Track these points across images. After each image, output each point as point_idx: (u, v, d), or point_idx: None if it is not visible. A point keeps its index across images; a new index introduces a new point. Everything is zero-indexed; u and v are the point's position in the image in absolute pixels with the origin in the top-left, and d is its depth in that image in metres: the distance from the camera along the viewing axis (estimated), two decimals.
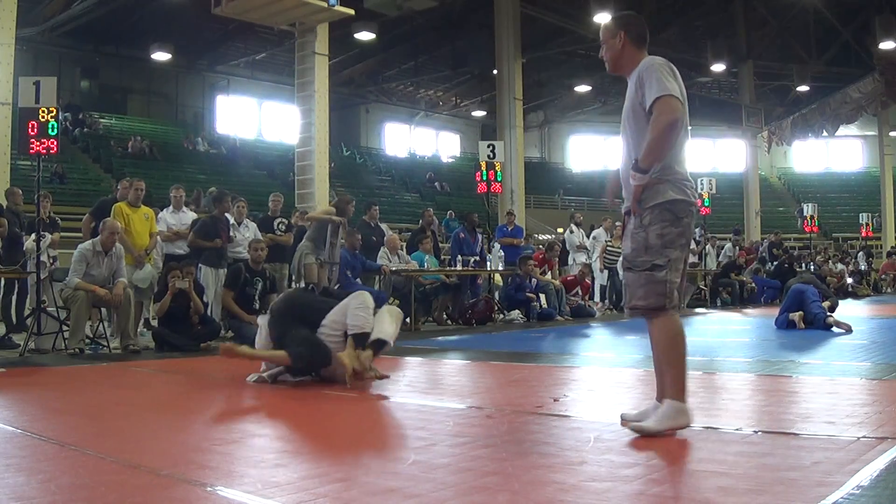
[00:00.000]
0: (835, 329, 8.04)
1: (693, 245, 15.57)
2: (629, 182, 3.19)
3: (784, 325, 8.54)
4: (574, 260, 13.19)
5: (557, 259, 12.30)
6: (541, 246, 13.85)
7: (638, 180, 3.12)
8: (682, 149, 3.22)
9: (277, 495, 2.29)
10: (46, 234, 7.82)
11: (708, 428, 3.21)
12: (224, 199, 8.52)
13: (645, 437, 3.05)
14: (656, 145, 3.05)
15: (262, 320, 5.03)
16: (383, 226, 11.34)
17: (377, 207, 11.25)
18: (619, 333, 8.84)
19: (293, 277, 9.12)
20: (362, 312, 4.65)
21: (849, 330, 7.89)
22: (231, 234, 8.56)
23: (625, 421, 3.26)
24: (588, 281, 12.35)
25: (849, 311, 12.50)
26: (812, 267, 16.18)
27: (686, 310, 12.18)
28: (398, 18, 20.86)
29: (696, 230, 16.23)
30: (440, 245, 13.12)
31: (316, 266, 8.73)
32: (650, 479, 2.47)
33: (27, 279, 7.89)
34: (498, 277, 11.69)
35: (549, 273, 11.67)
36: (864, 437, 2.91)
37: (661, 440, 3.00)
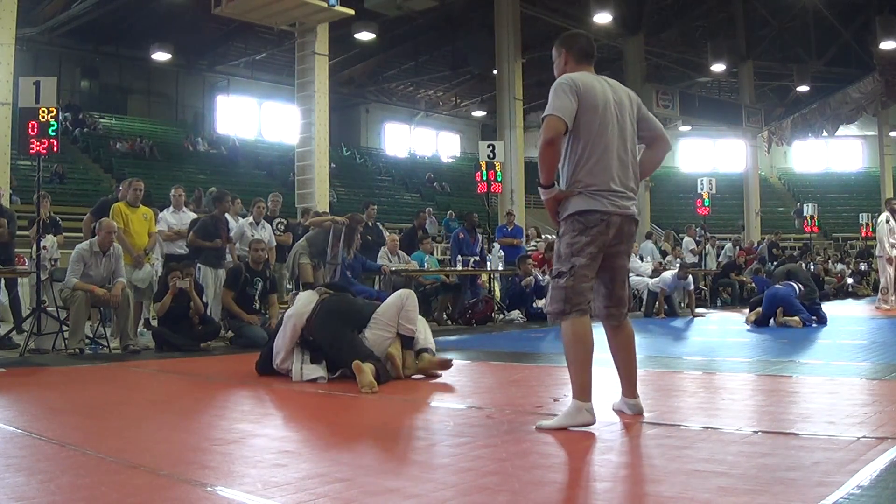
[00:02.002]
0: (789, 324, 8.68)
1: (693, 245, 15.70)
2: None
3: (761, 325, 8.85)
4: None
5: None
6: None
7: (544, 194, 3.27)
8: (600, 160, 3.20)
9: (277, 495, 2.29)
10: (48, 234, 7.80)
11: (708, 428, 3.21)
12: (224, 199, 8.50)
13: (644, 437, 3.05)
14: (539, 162, 3.20)
15: (289, 317, 4.98)
16: (386, 234, 11.32)
17: (375, 206, 11.24)
18: None
19: (288, 276, 9.15)
20: (414, 315, 5.00)
21: (798, 325, 8.62)
22: (249, 233, 8.57)
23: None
24: None
25: (849, 310, 12.51)
26: (812, 267, 16.16)
27: (686, 310, 12.18)
28: (398, 18, 20.84)
29: (697, 230, 16.24)
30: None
31: (310, 266, 8.76)
32: (650, 479, 2.47)
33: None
34: (497, 291, 11.71)
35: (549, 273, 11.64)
36: (864, 437, 2.91)
37: (661, 440, 3.00)
